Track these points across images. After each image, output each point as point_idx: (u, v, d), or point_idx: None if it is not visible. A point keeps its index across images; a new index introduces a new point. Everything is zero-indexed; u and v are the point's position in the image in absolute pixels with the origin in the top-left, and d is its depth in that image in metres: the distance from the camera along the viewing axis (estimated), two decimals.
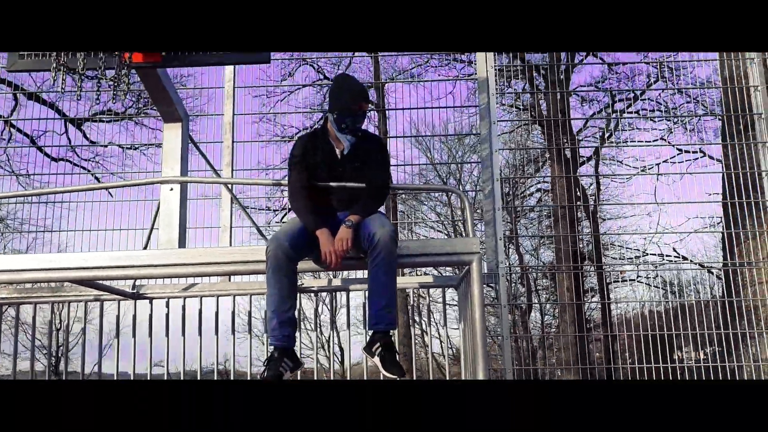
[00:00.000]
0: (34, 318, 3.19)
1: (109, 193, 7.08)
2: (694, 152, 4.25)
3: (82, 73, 2.36)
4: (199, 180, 2.84)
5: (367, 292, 3.67)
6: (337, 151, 2.75)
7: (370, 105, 2.77)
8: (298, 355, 2.63)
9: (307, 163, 2.73)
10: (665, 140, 4.38)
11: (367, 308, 2.64)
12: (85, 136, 9.19)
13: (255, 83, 5.13)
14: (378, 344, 2.51)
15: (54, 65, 2.33)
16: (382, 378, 2.52)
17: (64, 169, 8.65)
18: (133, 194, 5.62)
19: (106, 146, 9.31)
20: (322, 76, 12.45)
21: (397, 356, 2.56)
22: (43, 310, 3.89)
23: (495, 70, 3.60)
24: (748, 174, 3.65)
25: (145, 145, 8.97)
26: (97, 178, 9.28)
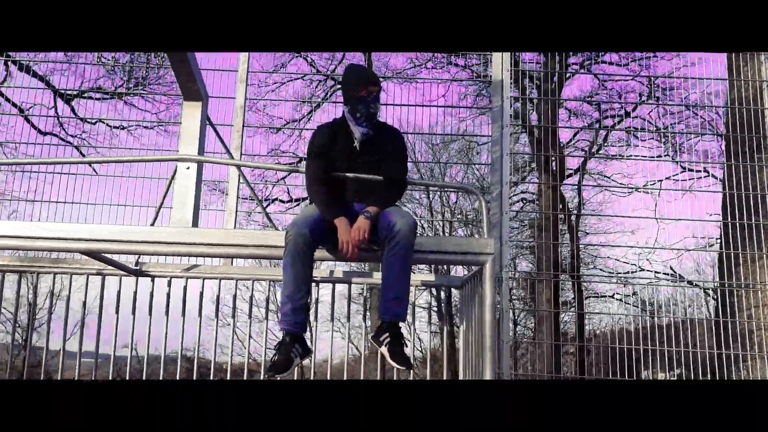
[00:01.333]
0: (35, 288, 3.12)
1: (93, 169, 6.94)
2: (697, 171, 4.37)
3: None
4: (217, 161, 2.81)
5: (364, 286, 3.70)
6: (356, 143, 2.76)
7: (379, 88, 2.76)
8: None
9: (326, 153, 2.73)
10: (669, 156, 4.50)
11: (379, 298, 2.65)
12: (74, 111, 9.01)
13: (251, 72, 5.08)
14: (386, 334, 2.53)
15: None
16: (379, 369, 2.54)
17: (51, 142, 8.45)
18: (113, 170, 5.54)
19: (94, 123, 9.13)
20: (314, 70, 12.41)
21: (405, 348, 2.59)
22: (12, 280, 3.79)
23: (511, 72, 3.66)
24: (751, 196, 3.76)
25: (134, 122, 8.81)
26: (82, 153, 9.09)
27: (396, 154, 2.79)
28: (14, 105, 7.87)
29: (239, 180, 3.63)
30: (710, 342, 4.10)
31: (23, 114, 7.21)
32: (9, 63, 8.10)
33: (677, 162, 4.61)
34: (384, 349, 2.51)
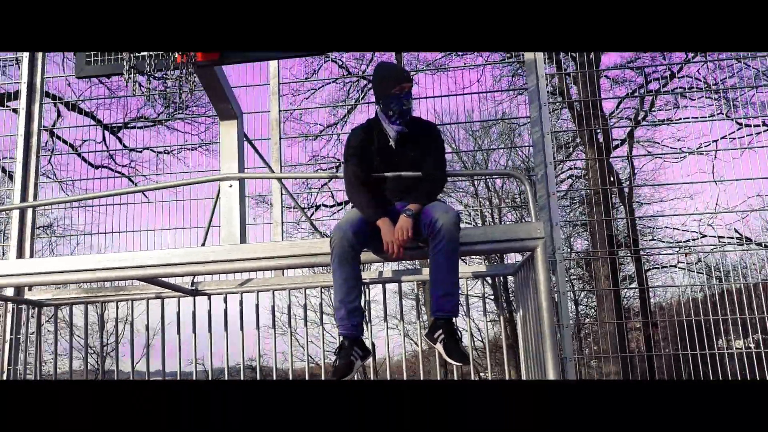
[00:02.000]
0: (101, 316, 3.27)
1: (145, 195, 7.19)
2: (756, 126, 4.08)
3: (150, 75, 2.41)
4: (258, 176, 2.87)
5: (415, 283, 3.68)
6: (391, 141, 2.74)
7: (411, 84, 2.74)
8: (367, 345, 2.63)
9: (363, 155, 2.72)
10: (727, 116, 4.21)
11: (429, 295, 2.63)
12: (121, 142, 9.42)
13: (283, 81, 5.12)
14: (440, 331, 2.51)
15: (126, 68, 2.39)
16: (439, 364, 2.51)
17: (103, 174, 8.87)
18: (162, 195, 5.71)
19: (140, 151, 9.50)
20: (345, 72, 12.46)
21: (461, 344, 2.55)
22: (80, 309, 3.97)
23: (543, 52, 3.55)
24: None
25: (178, 146, 9.13)
26: (133, 182, 9.47)
27: (433, 149, 2.75)
28: (67, 144, 8.30)
29: (282, 192, 3.68)
30: None
31: (75, 151, 7.58)
32: (59, 104, 8.52)
33: (732, 119, 4.31)
34: (439, 346, 2.49)
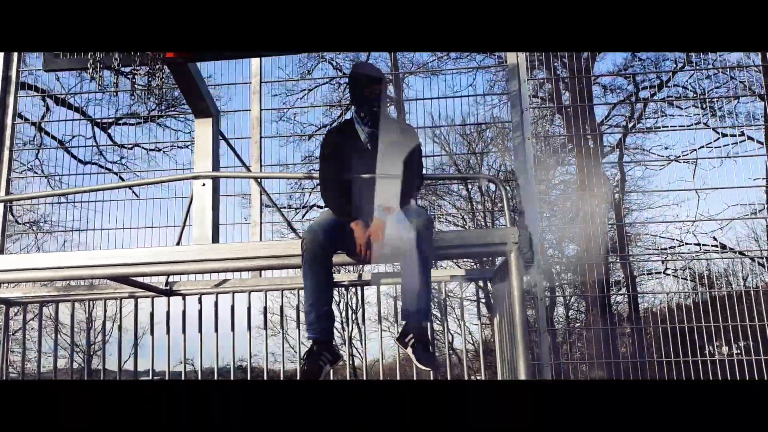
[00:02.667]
0: (72, 316, 3.23)
1: (134, 192, 7.14)
2: (732, 136, 4.09)
3: (117, 70, 2.38)
4: (232, 175, 2.85)
5: (397, 286, 3.66)
6: (365, 143, 2.72)
7: (384, 86, 2.72)
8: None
9: (337, 156, 2.70)
10: (706, 125, 4.21)
11: (400, 299, 2.61)
12: (111, 138, 9.36)
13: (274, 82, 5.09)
14: (411, 335, 2.49)
15: (91, 62, 2.35)
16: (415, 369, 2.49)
17: (92, 171, 8.80)
18: (157, 192, 5.65)
19: (131, 148, 9.44)
20: (340, 73, 12.42)
21: (431, 348, 2.53)
22: (67, 308, 3.93)
23: (525, 56, 3.54)
24: None
25: (169, 143, 9.07)
26: (122, 179, 9.40)
27: (408, 151, 2.72)
28: (56, 139, 8.23)
29: (261, 192, 3.65)
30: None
31: (63, 146, 7.52)
32: (47, 98, 8.46)
33: (712, 128, 4.32)
34: (409, 351, 2.47)
